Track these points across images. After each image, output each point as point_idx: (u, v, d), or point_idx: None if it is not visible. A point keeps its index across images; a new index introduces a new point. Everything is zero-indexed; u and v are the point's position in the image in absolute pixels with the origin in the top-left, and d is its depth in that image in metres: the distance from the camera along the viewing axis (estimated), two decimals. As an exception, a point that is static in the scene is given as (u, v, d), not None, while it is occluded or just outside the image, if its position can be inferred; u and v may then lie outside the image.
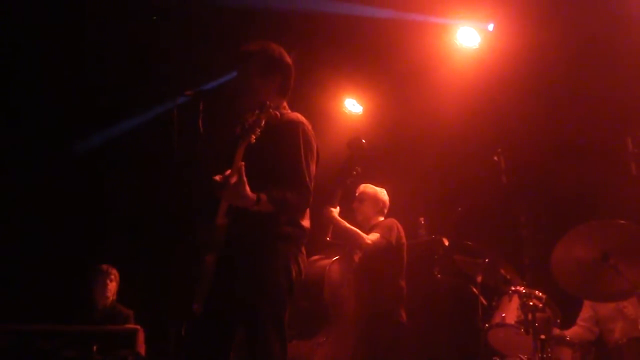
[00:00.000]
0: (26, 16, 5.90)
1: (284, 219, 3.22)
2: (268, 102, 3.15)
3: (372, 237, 4.90)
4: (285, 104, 3.46)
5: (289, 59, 3.46)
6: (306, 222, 3.34)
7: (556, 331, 4.64)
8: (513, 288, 4.60)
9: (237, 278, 3.17)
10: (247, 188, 3.00)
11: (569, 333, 4.87)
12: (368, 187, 5.30)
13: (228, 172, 3.01)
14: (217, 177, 3.04)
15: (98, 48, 6.21)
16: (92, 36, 6.12)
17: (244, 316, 3.18)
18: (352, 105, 7.31)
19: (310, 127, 3.34)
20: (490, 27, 6.34)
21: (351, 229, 4.87)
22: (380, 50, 6.49)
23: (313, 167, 3.30)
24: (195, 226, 3.27)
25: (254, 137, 3.06)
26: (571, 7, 5.72)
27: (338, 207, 4.86)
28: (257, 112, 3.11)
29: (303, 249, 3.35)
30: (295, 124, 3.29)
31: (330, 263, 4.75)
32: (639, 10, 5.46)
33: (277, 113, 3.18)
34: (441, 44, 6.50)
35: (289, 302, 3.22)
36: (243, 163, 3.00)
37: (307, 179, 3.22)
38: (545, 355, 4.27)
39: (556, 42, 5.86)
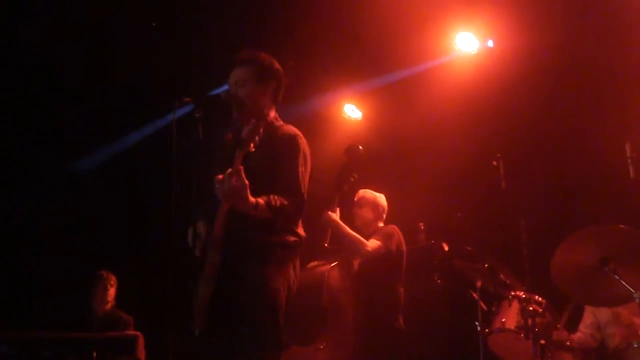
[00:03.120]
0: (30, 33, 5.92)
1: (280, 226, 3.27)
2: (265, 111, 3.28)
3: (372, 245, 4.87)
4: (275, 113, 3.52)
5: (279, 66, 3.54)
6: (302, 231, 3.42)
7: (561, 332, 4.62)
8: (513, 293, 4.60)
9: (238, 286, 3.20)
10: (249, 191, 3.04)
11: (574, 337, 4.86)
12: (367, 193, 5.29)
13: (229, 170, 3.03)
14: (220, 176, 3.06)
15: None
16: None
17: (243, 321, 3.19)
18: (351, 111, 7.33)
19: (305, 141, 3.44)
20: (490, 42, 6.37)
21: (352, 234, 4.82)
22: (380, 55, 6.51)
23: (307, 179, 3.39)
24: (193, 234, 3.27)
25: (252, 145, 3.12)
26: (570, 12, 5.73)
27: (338, 209, 4.84)
28: (253, 121, 3.16)
29: (298, 258, 3.41)
30: (294, 137, 3.39)
31: (329, 269, 4.74)
32: (637, 16, 5.48)
33: (275, 122, 3.26)
34: (440, 49, 6.52)
35: (285, 309, 3.26)
36: (242, 167, 3.04)
37: (302, 188, 3.31)
38: (545, 361, 4.28)
39: (555, 47, 5.87)
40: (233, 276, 3.21)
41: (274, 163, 3.31)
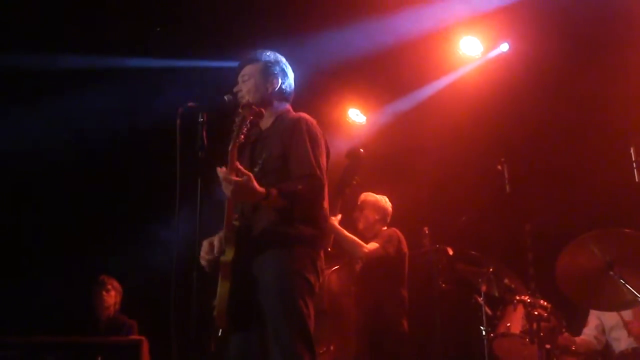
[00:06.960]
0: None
1: (299, 215, 3.14)
2: (249, 99, 3.28)
3: (370, 247, 4.89)
4: (289, 107, 3.51)
5: (285, 61, 3.54)
6: (325, 222, 3.29)
7: (565, 336, 4.61)
8: (518, 297, 4.59)
9: (253, 285, 3.11)
10: (255, 182, 2.99)
11: (578, 340, 4.85)
12: (369, 196, 5.30)
13: (228, 167, 3.01)
14: (221, 170, 3.01)
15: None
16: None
17: (268, 325, 3.08)
18: (355, 115, 7.33)
19: (315, 122, 3.36)
20: (505, 46, 6.36)
21: (350, 237, 4.84)
22: (384, 59, 6.50)
23: (323, 159, 3.27)
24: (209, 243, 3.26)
25: (242, 136, 3.10)
26: (576, 16, 5.72)
27: (339, 215, 4.83)
28: (240, 111, 3.16)
29: (322, 253, 3.28)
30: (298, 119, 3.33)
31: (329, 272, 4.75)
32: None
33: (262, 110, 3.23)
34: (444, 53, 6.52)
35: (311, 308, 3.12)
36: (238, 163, 3.02)
37: (316, 169, 3.18)
38: (550, 365, 4.27)
39: (560, 50, 5.86)
40: (247, 275, 3.11)
41: (284, 151, 3.24)
